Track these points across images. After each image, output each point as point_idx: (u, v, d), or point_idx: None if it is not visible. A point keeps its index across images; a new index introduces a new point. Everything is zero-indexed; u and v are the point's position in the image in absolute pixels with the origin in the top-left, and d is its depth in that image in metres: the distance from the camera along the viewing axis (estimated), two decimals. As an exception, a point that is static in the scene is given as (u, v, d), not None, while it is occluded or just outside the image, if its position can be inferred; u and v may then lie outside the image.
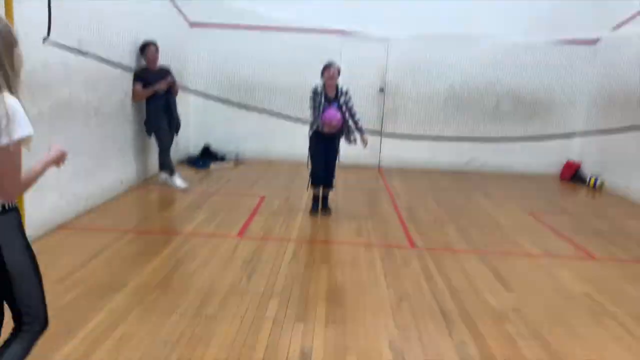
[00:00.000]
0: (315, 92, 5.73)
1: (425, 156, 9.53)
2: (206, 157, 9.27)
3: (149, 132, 6.96)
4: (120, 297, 3.54)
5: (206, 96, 5.89)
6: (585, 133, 8.67)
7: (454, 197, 7.51)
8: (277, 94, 8.79)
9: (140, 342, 2.97)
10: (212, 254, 4.52)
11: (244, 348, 2.97)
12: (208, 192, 6.92)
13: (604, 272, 4.61)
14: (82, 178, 5.45)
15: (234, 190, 7.27)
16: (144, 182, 7.19)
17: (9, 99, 1.85)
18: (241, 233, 5.18)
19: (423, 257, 4.74)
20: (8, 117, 1.81)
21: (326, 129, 5.68)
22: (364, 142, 5.83)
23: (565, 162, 9.50)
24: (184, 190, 6.83)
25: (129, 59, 6.59)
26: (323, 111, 5.64)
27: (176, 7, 8.37)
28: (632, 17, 7.71)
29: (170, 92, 6.86)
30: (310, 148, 5.93)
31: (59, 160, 2.14)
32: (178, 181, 6.94)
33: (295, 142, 7.98)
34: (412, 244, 5.14)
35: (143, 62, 6.80)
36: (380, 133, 9.03)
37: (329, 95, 5.73)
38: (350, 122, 5.81)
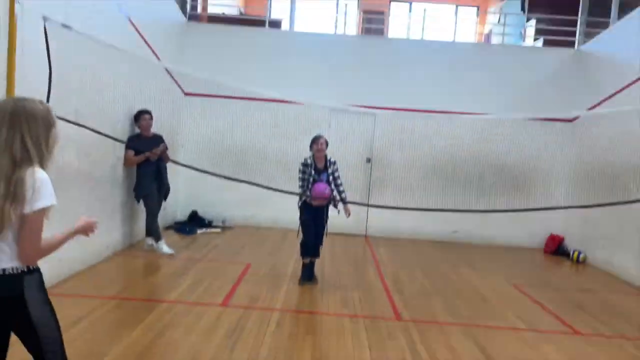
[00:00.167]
0: (305, 164, 5.89)
1: (411, 225, 9.63)
2: (193, 222, 9.28)
3: (137, 198, 7.02)
4: (99, 368, 3.46)
5: (196, 169, 6.05)
6: (566, 207, 8.88)
7: (439, 268, 7.54)
8: (268, 161, 8.99)
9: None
10: (196, 322, 4.46)
11: None
12: (194, 259, 6.89)
13: (588, 348, 4.60)
14: (68, 242, 5.41)
15: (220, 257, 7.24)
16: (130, 247, 7.15)
17: (39, 173, 2.09)
18: (225, 301, 5.13)
19: (408, 329, 4.71)
20: (34, 189, 2.05)
21: (315, 203, 5.81)
22: (347, 213, 5.95)
23: (548, 235, 9.65)
24: (170, 257, 6.80)
25: (123, 126, 6.76)
26: (312, 184, 5.78)
27: (172, 78, 8.70)
28: (605, 99, 8.15)
29: (162, 159, 6.99)
30: (301, 218, 6.00)
31: (86, 230, 2.40)
32: (164, 247, 6.92)
33: (283, 210, 8.06)
34: (398, 315, 5.11)
35: (137, 130, 6.97)
36: (367, 202, 9.18)
37: (318, 166, 5.89)
38: (335, 192, 5.95)
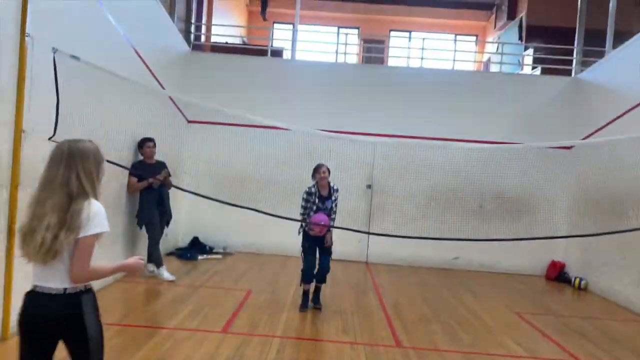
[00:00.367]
0: (309, 193, 5.95)
1: (412, 251, 9.63)
2: (195, 248, 9.31)
3: (140, 225, 7.08)
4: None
5: (197, 195, 6.13)
6: (565, 236, 8.88)
7: (440, 294, 7.53)
8: (269, 187, 9.07)
9: None
10: (196, 349, 4.47)
11: None
12: (194, 285, 6.90)
13: (589, 375, 4.59)
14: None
15: (221, 283, 7.25)
16: (131, 273, 7.17)
17: (95, 204, 2.36)
18: (225, 328, 5.14)
19: (408, 356, 4.70)
20: (89, 218, 2.31)
21: (312, 233, 5.87)
22: (326, 241, 5.96)
23: (550, 262, 9.63)
24: (171, 283, 6.82)
25: (128, 153, 6.86)
26: (312, 214, 5.84)
27: (176, 106, 8.85)
28: (600, 128, 8.26)
29: (164, 185, 7.08)
30: (303, 245, 6.05)
31: (133, 270, 2.60)
32: (165, 274, 6.95)
33: (284, 236, 8.09)
34: (398, 342, 5.11)
35: (140, 156, 7.08)
36: (367, 229, 9.20)
37: (322, 194, 5.96)
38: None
